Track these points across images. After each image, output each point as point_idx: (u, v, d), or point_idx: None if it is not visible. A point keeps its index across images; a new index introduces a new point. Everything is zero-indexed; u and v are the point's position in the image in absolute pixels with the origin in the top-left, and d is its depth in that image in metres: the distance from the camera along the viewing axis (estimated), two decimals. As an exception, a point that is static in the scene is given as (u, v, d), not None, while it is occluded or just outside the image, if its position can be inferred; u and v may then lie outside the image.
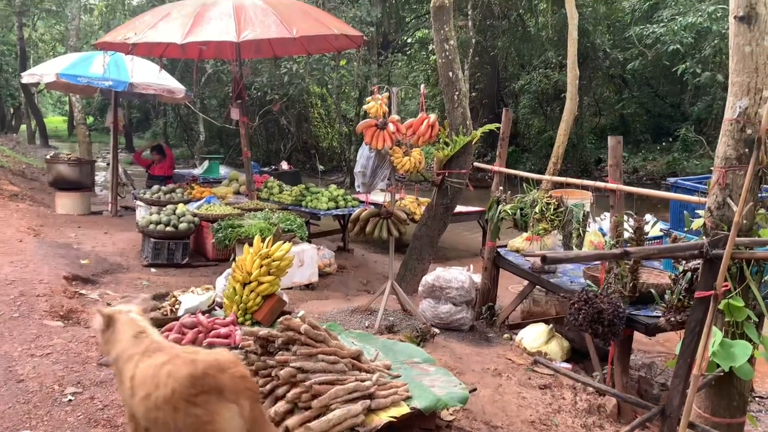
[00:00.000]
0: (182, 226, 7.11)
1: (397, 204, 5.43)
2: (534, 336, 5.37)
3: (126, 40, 7.20)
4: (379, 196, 10.54)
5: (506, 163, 5.87)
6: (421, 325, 5.35)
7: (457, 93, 7.14)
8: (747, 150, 3.20)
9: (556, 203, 4.87)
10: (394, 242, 5.60)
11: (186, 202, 8.11)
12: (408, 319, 5.68)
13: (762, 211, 3.29)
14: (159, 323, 4.35)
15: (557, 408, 4.40)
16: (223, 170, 11.36)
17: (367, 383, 3.31)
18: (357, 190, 5.41)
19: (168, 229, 7.02)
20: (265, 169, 11.86)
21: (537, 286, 5.88)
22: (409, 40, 18.94)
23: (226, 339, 3.99)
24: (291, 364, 3.21)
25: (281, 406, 3.11)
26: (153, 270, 6.88)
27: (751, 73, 3.22)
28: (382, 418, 3.21)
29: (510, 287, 7.29)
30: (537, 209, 4.94)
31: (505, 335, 5.73)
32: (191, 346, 3.52)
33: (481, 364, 4.92)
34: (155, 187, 8.53)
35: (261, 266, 4.64)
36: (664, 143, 20.09)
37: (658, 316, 4.43)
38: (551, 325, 5.45)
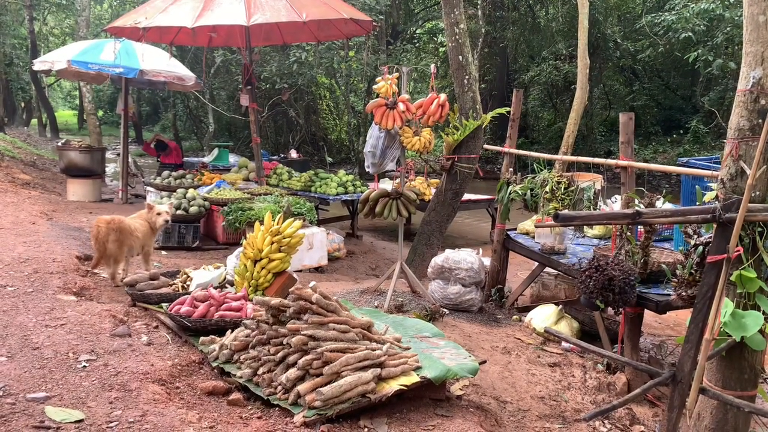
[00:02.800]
0: (193, 209, 7.15)
1: (407, 185, 5.43)
2: (543, 317, 5.36)
3: (137, 24, 7.24)
4: (387, 185, 10.58)
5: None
6: (431, 306, 5.37)
7: (467, 77, 7.13)
8: (760, 120, 3.17)
9: (567, 182, 4.86)
10: (403, 223, 5.60)
11: (196, 187, 8.16)
12: (417, 300, 5.69)
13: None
14: (171, 298, 4.41)
15: (567, 385, 4.40)
16: (232, 158, 11.41)
17: (378, 352, 3.33)
18: (366, 170, 5.41)
19: (179, 212, 7.06)
20: (274, 157, 11.89)
21: (547, 270, 5.89)
22: (418, 31, 18.90)
23: (237, 312, 4.03)
24: (302, 332, 3.23)
25: (293, 372, 3.13)
26: (164, 252, 6.93)
27: (765, 43, 3.19)
28: (392, 386, 3.23)
29: (519, 273, 7.29)
30: (548, 188, 4.93)
31: (515, 317, 5.73)
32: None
33: (490, 342, 4.93)
34: (165, 173, 8.58)
35: (272, 243, 4.67)
36: (674, 135, 19.96)
37: (669, 294, 4.43)
38: (560, 306, 5.44)
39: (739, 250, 2.63)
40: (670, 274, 3.91)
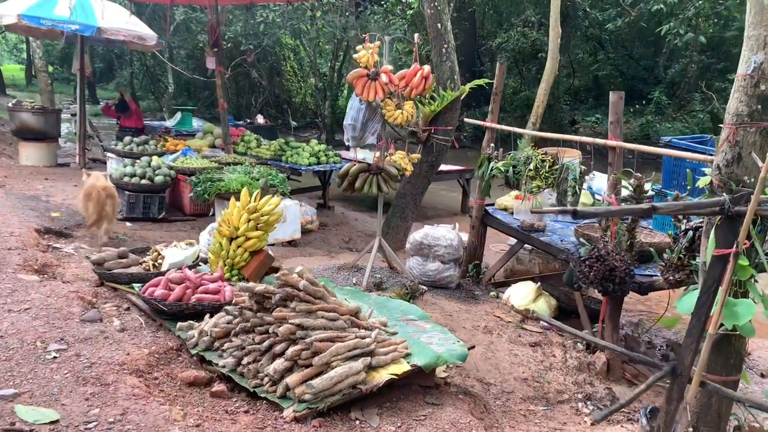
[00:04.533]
0: (158, 179, 6.83)
1: (387, 159, 5.27)
2: (522, 294, 5.35)
3: (96, -21, 6.74)
4: (363, 154, 10.36)
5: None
6: (410, 283, 5.28)
7: (445, 46, 6.95)
8: (760, 106, 3.12)
9: (552, 160, 4.78)
10: (383, 199, 5.46)
11: (160, 155, 7.80)
12: (395, 276, 5.59)
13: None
14: (142, 278, 4.19)
15: (548, 365, 4.40)
16: (195, 122, 10.97)
17: (367, 340, 3.22)
18: (346, 143, 5.22)
19: (143, 182, 6.74)
20: (240, 122, 11.49)
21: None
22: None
23: (215, 295, 3.85)
24: (290, 321, 3.08)
25: (280, 363, 3.00)
26: (128, 224, 6.62)
27: (768, 27, 3.11)
28: (383, 375, 3.13)
29: (491, 246, 7.26)
30: (532, 166, 4.84)
31: (492, 293, 5.69)
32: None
33: (471, 321, 4.88)
34: (127, 139, 8.16)
35: (249, 221, 4.47)
36: (637, 105, 20.18)
37: (651, 275, 4.44)
38: (539, 284, 5.43)
39: (747, 244, 2.59)
40: (657, 256, 3.89)
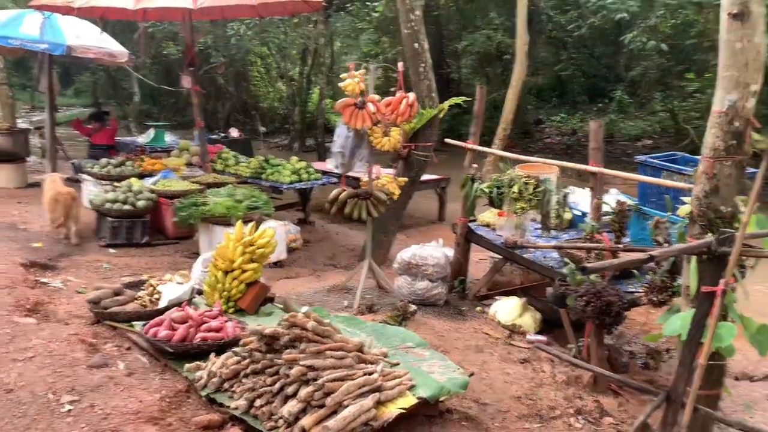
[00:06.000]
0: (140, 203, 6.81)
1: (375, 183, 5.38)
2: (508, 309, 5.53)
3: (69, 3, 6.68)
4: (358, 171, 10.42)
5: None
6: (400, 303, 5.41)
7: (423, 65, 7.08)
8: (735, 142, 3.33)
9: (535, 183, 4.96)
10: (371, 223, 5.57)
11: (139, 176, 7.76)
12: (385, 296, 5.73)
13: (745, 198, 3.47)
14: (141, 316, 4.23)
15: (539, 382, 4.58)
16: (168, 138, 10.88)
17: (375, 376, 3.34)
18: (335, 170, 5.31)
19: (126, 207, 6.71)
20: (214, 136, 11.44)
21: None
22: (352, -2, 18.56)
23: (218, 332, 3.91)
24: (301, 363, 3.18)
25: (294, 405, 3.09)
26: (112, 250, 6.60)
27: (741, 69, 3.31)
28: (392, 410, 3.26)
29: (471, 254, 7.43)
30: (515, 188, 5.02)
31: (478, 308, 5.87)
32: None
33: (462, 340, 5.04)
34: (104, 160, 8.09)
35: (244, 253, 4.54)
36: (600, 104, 20.70)
37: (633, 292, 4.67)
38: (524, 299, 5.62)
39: (732, 280, 2.79)
40: (641, 279, 4.11)
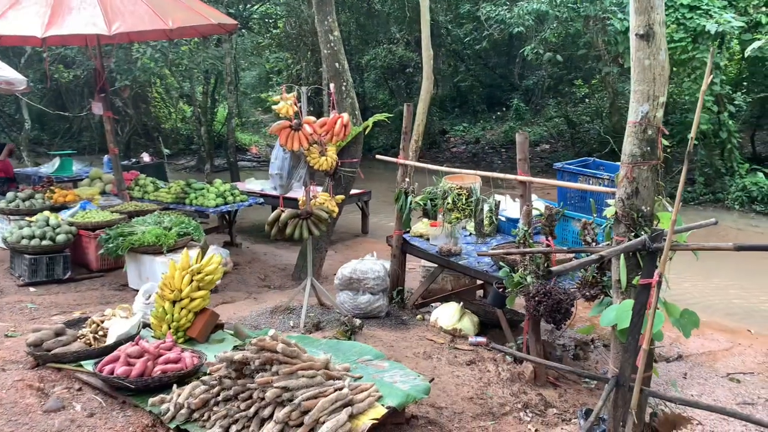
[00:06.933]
0: (60, 237, 6.49)
1: (312, 202, 5.48)
2: (448, 315, 5.79)
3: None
4: (254, 185, 10.38)
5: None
6: (344, 318, 5.53)
7: (344, 84, 7.27)
8: (649, 148, 3.75)
9: (467, 194, 5.26)
10: (311, 242, 5.66)
11: (53, 209, 7.38)
12: (328, 312, 5.82)
13: (660, 198, 3.91)
14: (89, 354, 4.10)
15: (487, 381, 4.86)
16: (74, 166, 10.36)
17: (345, 390, 3.45)
18: (273, 191, 5.36)
19: (44, 242, 6.38)
20: (126, 162, 11.01)
21: (428, 264, 6.33)
22: (254, 16, 18.41)
23: (176, 364, 3.87)
24: (275, 385, 3.24)
25: (272, 427, 3.15)
26: (33, 289, 6.25)
27: (650, 83, 3.73)
28: (365, 422, 3.38)
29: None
30: (450, 199, 5.30)
31: (418, 316, 6.09)
32: None
33: (410, 349, 5.23)
34: (10, 194, 7.61)
35: (191, 282, 4.50)
36: (498, 112, 21.80)
37: (565, 289, 5.06)
38: (461, 303, 5.91)
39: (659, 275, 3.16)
40: (573, 276, 4.49)
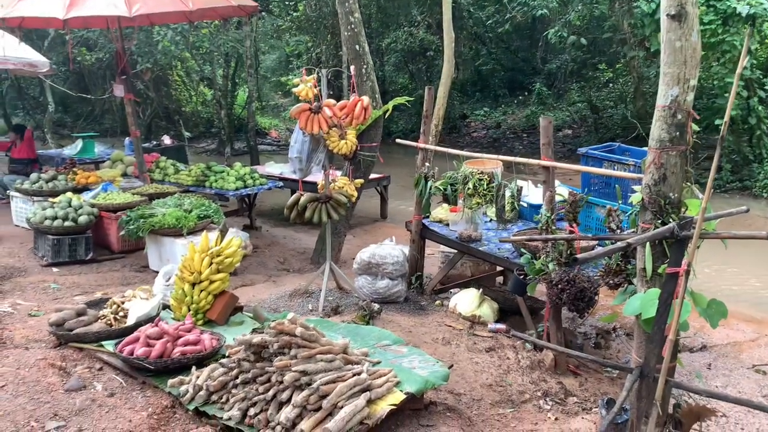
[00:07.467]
0: (82, 219, 6.55)
1: (332, 186, 5.44)
2: (467, 301, 5.74)
3: (-12, 12, 6.32)
4: (285, 169, 10.35)
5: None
6: (363, 302, 5.51)
7: (365, 66, 7.20)
8: (678, 133, 3.63)
9: (488, 179, 5.18)
10: (330, 226, 5.63)
11: (73, 190, 7.44)
12: (347, 296, 5.81)
13: (688, 184, 3.80)
14: (110, 335, 4.13)
15: (506, 368, 4.81)
16: (96, 148, 10.45)
17: (363, 376, 3.43)
18: (293, 174, 5.34)
19: (67, 223, 6.44)
20: (147, 144, 11.07)
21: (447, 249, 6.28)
22: (273, -1, 18.38)
23: (196, 345, 3.88)
24: (293, 368, 3.23)
25: (291, 411, 3.14)
26: (55, 269, 6.32)
27: (681, 65, 3.61)
28: (384, 407, 3.36)
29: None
30: (470, 184, 5.22)
31: (437, 302, 6.06)
32: None
33: (429, 335, 5.20)
34: (34, 175, 7.69)
35: (210, 264, 4.50)
36: (520, 97, 21.50)
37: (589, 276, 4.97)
38: (480, 290, 5.85)
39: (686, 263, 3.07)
40: (596, 263, 4.40)
